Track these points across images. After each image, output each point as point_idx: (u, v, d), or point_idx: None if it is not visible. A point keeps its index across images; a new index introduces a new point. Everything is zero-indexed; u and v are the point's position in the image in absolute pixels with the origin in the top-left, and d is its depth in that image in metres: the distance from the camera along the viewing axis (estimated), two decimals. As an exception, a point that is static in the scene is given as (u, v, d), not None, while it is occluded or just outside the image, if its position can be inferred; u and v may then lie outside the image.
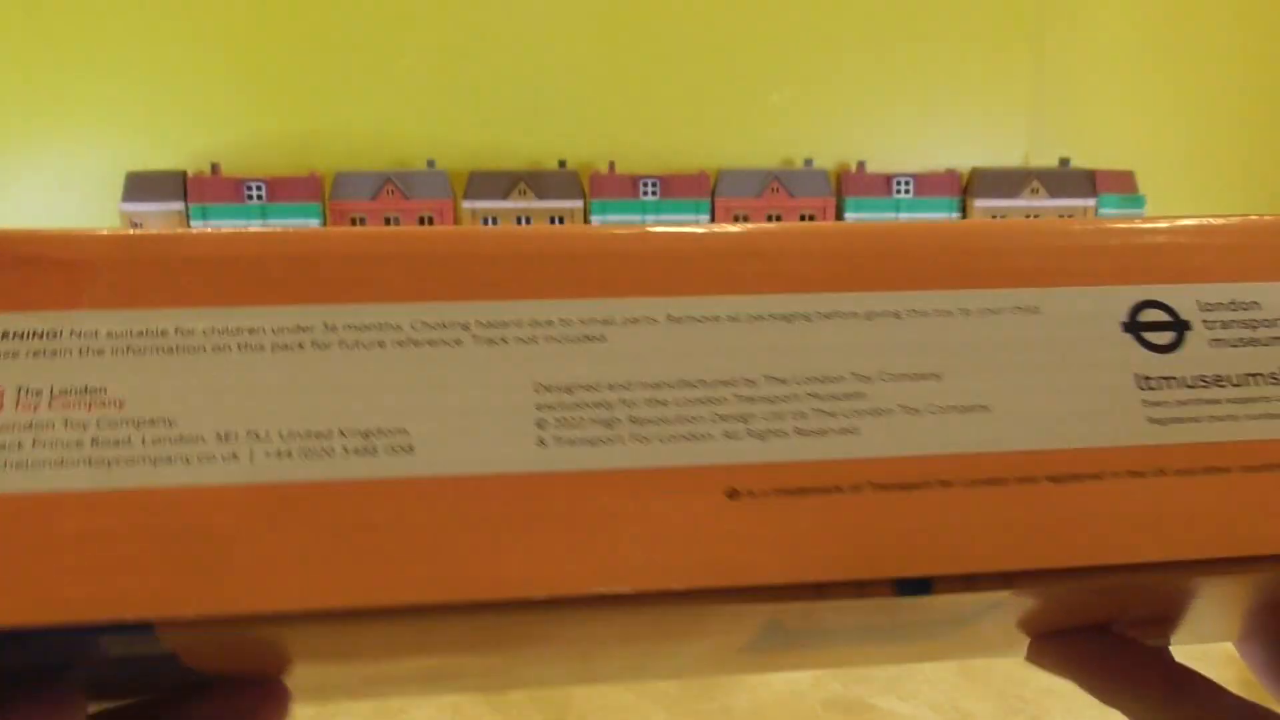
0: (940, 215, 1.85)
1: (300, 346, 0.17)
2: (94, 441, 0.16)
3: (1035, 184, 1.85)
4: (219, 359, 0.17)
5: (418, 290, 0.17)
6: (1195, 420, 0.18)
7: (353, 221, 1.81)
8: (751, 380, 0.18)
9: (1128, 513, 0.18)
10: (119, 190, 1.84)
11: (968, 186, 1.87)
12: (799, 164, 1.89)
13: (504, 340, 0.17)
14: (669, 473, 0.17)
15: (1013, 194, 1.85)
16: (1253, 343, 0.19)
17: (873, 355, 0.18)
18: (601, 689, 0.65)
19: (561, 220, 1.84)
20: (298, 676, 0.20)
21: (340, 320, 0.17)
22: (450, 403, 0.17)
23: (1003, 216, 1.85)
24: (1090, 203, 1.84)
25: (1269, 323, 0.19)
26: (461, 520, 0.16)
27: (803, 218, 1.84)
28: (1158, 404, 0.18)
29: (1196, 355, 0.19)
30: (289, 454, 0.16)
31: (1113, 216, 0.18)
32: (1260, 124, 1.93)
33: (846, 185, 1.85)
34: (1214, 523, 0.18)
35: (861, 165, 1.88)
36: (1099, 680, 0.21)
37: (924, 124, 1.90)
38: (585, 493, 0.17)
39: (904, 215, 1.85)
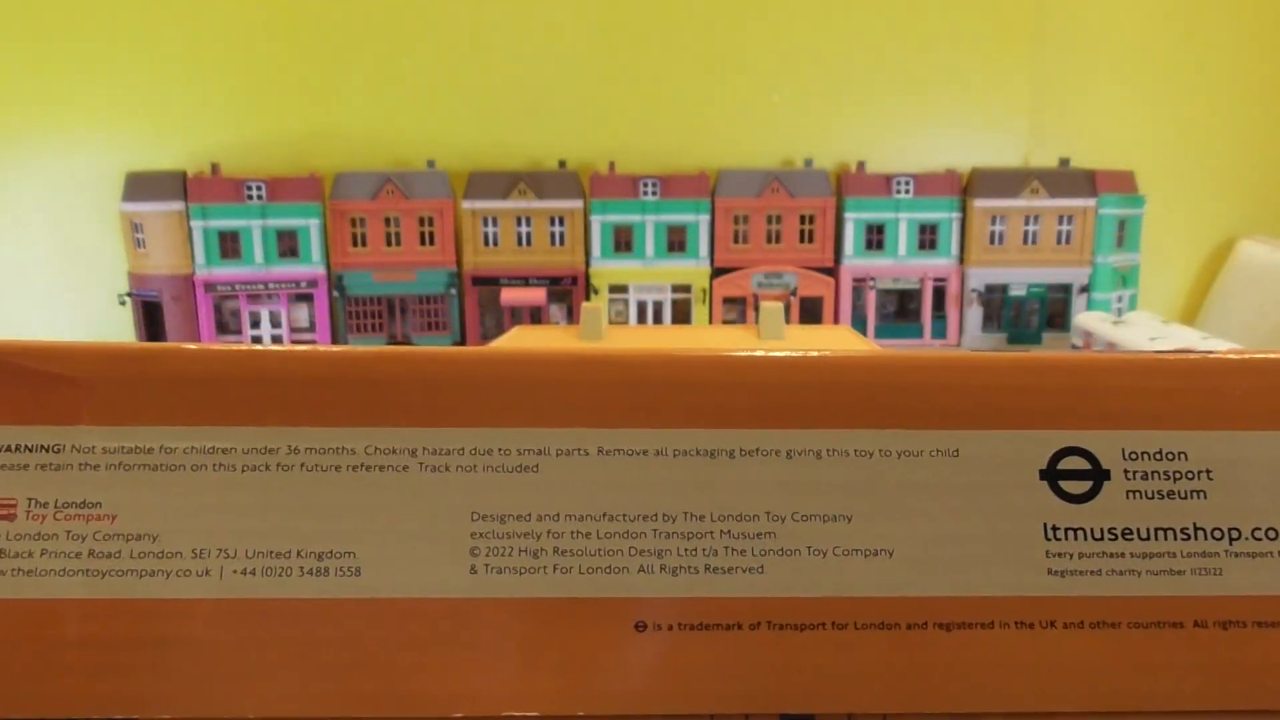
0: (940, 215, 1.85)
1: (267, 468, 0.18)
2: (91, 553, 0.18)
3: (1035, 184, 1.85)
4: (196, 478, 0.18)
5: (373, 415, 0.18)
6: (1094, 573, 0.18)
7: (353, 221, 1.81)
8: (670, 516, 0.18)
9: (1011, 662, 0.18)
10: (119, 190, 1.84)
11: (968, 186, 1.87)
12: (799, 164, 1.89)
13: (446, 468, 0.18)
14: (584, 603, 0.18)
15: (1013, 194, 1.85)
16: (1170, 495, 0.19)
17: (789, 495, 0.18)
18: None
19: (562, 220, 1.84)
20: None
21: (303, 443, 0.18)
22: (395, 528, 0.18)
23: (1003, 217, 1.86)
24: (1090, 203, 1.84)
25: (1192, 474, 0.19)
26: (399, 640, 0.18)
27: (803, 218, 1.84)
28: (1060, 555, 0.18)
29: (1110, 506, 0.19)
30: (253, 572, 0.18)
31: (1044, 354, 0.18)
32: (1260, 124, 1.93)
33: (846, 185, 1.85)
34: (1094, 677, 0.18)
35: (861, 165, 1.88)
36: None
37: (924, 124, 1.91)
38: (508, 619, 0.18)
39: (904, 215, 1.85)
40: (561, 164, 1.87)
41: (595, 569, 0.18)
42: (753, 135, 1.90)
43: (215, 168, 1.82)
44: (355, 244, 1.83)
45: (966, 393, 0.19)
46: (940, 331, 1.90)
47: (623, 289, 1.85)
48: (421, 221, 1.82)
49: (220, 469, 0.18)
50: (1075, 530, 0.18)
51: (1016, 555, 0.18)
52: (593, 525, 0.18)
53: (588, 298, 1.84)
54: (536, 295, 1.84)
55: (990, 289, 1.89)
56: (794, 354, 0.19)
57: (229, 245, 1.80)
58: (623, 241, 1.84)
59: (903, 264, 1.86)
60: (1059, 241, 1.86)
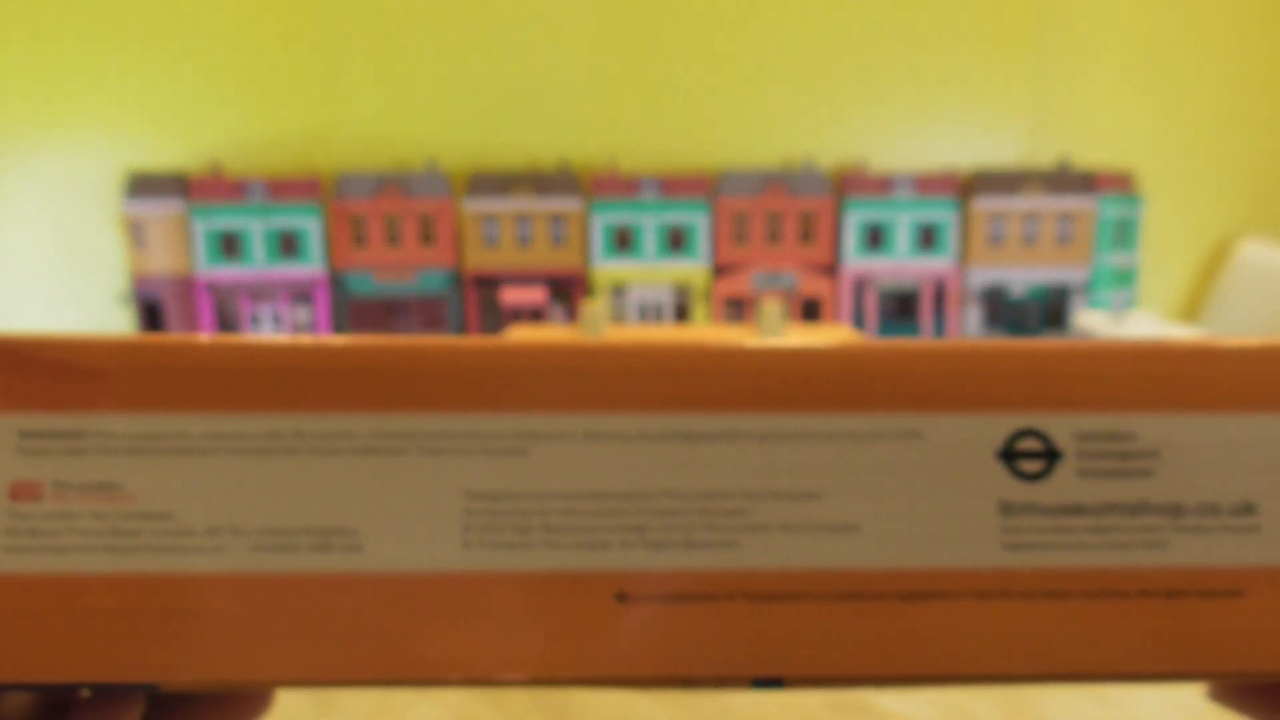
0: (940, 215, 1.85)
1: (275, 452, 0.20)
2: (113, 531, 0.19)
3: (1035, 184, 1.85)
4: (210, 461, 0.19)
5: (374, 401, 0.20)
6: (1047, 547, 0.20)
7: (353, 221, 1.81)
8: (651, 495, 0.20)
9: (969, 630, 0.19)
10: (120, 190, 1.84)
11: (968, 186, 1.87)
12: (799, 164, 1.89)
13: (442, 451, 0.20)
14: (570, 576, 0.19)
15: (1013, 194, 1.85)
16: (1120, 474, 0.20)
17: (761, 475, 0.20)
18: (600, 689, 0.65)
19: (562, 220, 1.84)
20: None
21: (309, 428, 0.20)
22: (394, 506, 0.20)
23: (1003, 217, 1.86)
24: (1090, 203, 1.84)
25: (1141, 454, 0.20)
26: (397, 611, 0.19)
27: (803, 218, 1.85)
28: (1015, 530, 0.20)
29: (1062, 485, 0.20)
30: (262, 548, 0.19)
31: (1006, 341, 0.19)
32: (1260, 124, 1.93)
33: (846, 185, 1.85)
34: (1047, 643, 0.19)
35: (861, 165, 1.89)
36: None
37: (924, 124, 1.91)
38: (499, 591, 0.19)
39: (904, 215, 1.85)
40: (562, 164, 1.87)
41: (580, 544, 0.19)
42: (753, 135, 1.90)
43: (216, 168, 1.83)
44: (356, 244, 1.83)
45: (928, 378, 0.20)
46: (940, 331, 1.90)
47: (623, 289, 1.85)
48: (422, 221, 1.83)
49: (232, 452, 0.19)
50: (1029, 507, 0.20)
51: (973, 530, 0.20)
52: (578, 504, 0.20)
53: (588, 297, 1.84)
54: (537, 295, 1.84)
55: (990, 289, 1.89)
56: (767, 344, 0.20)
57: (230, 245, 1.80)
58: (623, 241, 1.84)
59: (903, 264, 1.86)
60: (1059, 241, 1.87)
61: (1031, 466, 0.20)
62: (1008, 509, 0.20)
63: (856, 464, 0.20)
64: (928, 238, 1.86)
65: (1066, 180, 1.85)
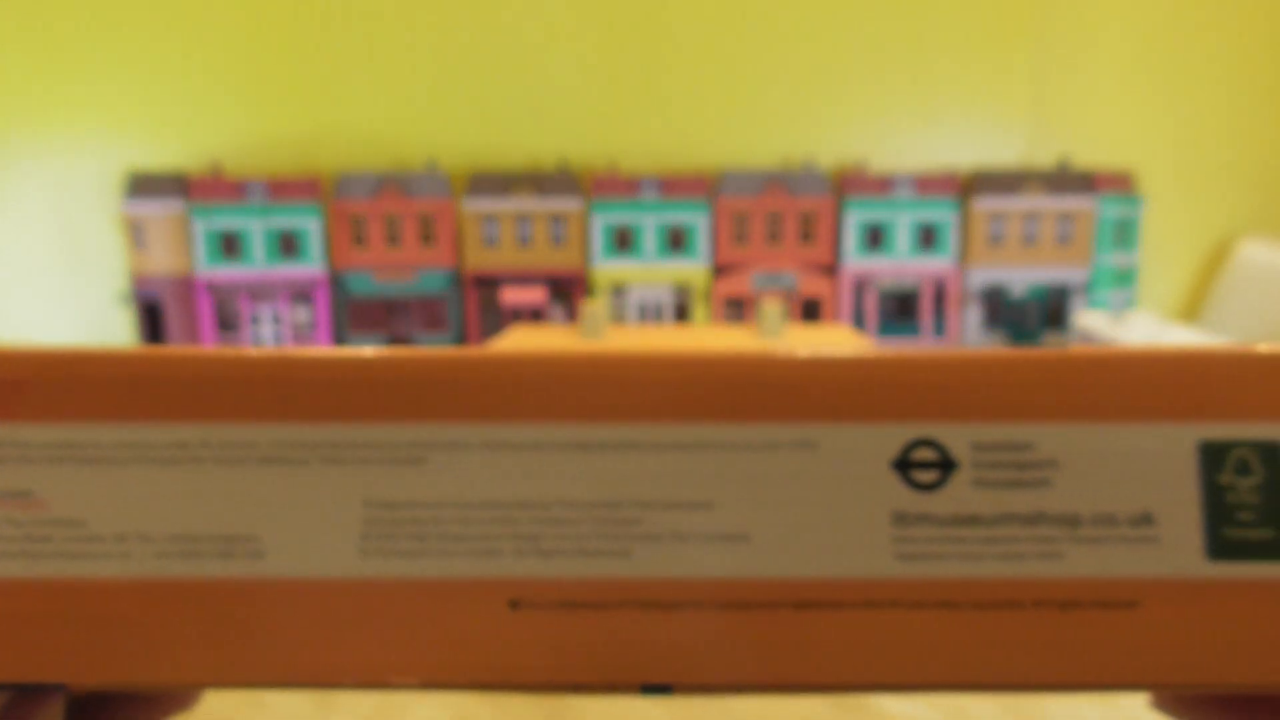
0: (940, 215, 1.85)
1: (183, 461, 0.20)
2: (26, 537, 0.20)
3: (1035, 184, 1.85)
4: (120, 470, 0.20)
5: (278, 411, 0.20)
6: (940, 557, 0.20)
7: (353, 221, 1.81)
8: (546, 504, 0.20)
9: (858, 640, 0.20)
10: (120, 190, 1.84)
11: (968, 186, 1.87)
12: (799, 164, 1.89)
13: (342, 460, 0.20)
14: (463, 583, 0.20)
15: (1013, 194, 1.85)
16: (1016, 484, 0.20)
17: (655, 485, 0.20)
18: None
19: (563, 221, 1.84)
20: None
21: (215, 438, 0.20)
22: (295, 514, 0.20)
23: (1002, 217, 1.86)
24: (1090, 203, 1.84)
25: (1039, 464, 0.20)
26: (295, 616, 0.20)
27: (803, 217, 1.85)
28: (907, 540, 0.20)
29: (957, 495, 0.20)
30: (168, 555, 0.20)
31: (903, 351, 0.19)
32: (1260, 124, 1.93)
33: (846, 185, 1.85)
34: (938, 653, 0.20)
35: (861, 165, 1.89)
36: None
37: (924, 124, 1.91)
38: (395, 597, 0.20)
39: (904, 215, 1.85)
40: (561, 164, 1.87)
41: (475, 552, 0.20)
42: (753, 135, 1.90)
43: (216, 168, 1.83)
44: (356, 244, 1.83)
45: (823, 388, 0.20)
46: (940, 331, 1.90)
47: (623, 289, 1.85)
48: (422, 221, 1.83)
49: (141, 461, 0.20)
50: (923, 517, 0.20)
51: (866, 541, 0.20)
52: (474, 512, 0.20)
53: (588, 297, 1.84)
54: (537, 295, 1.84)
55: (990, 289, 1.89)
56: (660, 354, 0.21)
57: (230, 245, 1.80)
58: (623, 241, 1.84)
59: (903, 264, 1.86)
60: (1059, 241, 1.87)
61: (926, 477, 0.20)
62: (901, 519, 0.20)
63: (749, 474, 0.20)
64: (928, 238, 1.86)
65: (1066, 180, 1.85)
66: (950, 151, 1.90)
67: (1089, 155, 1.91)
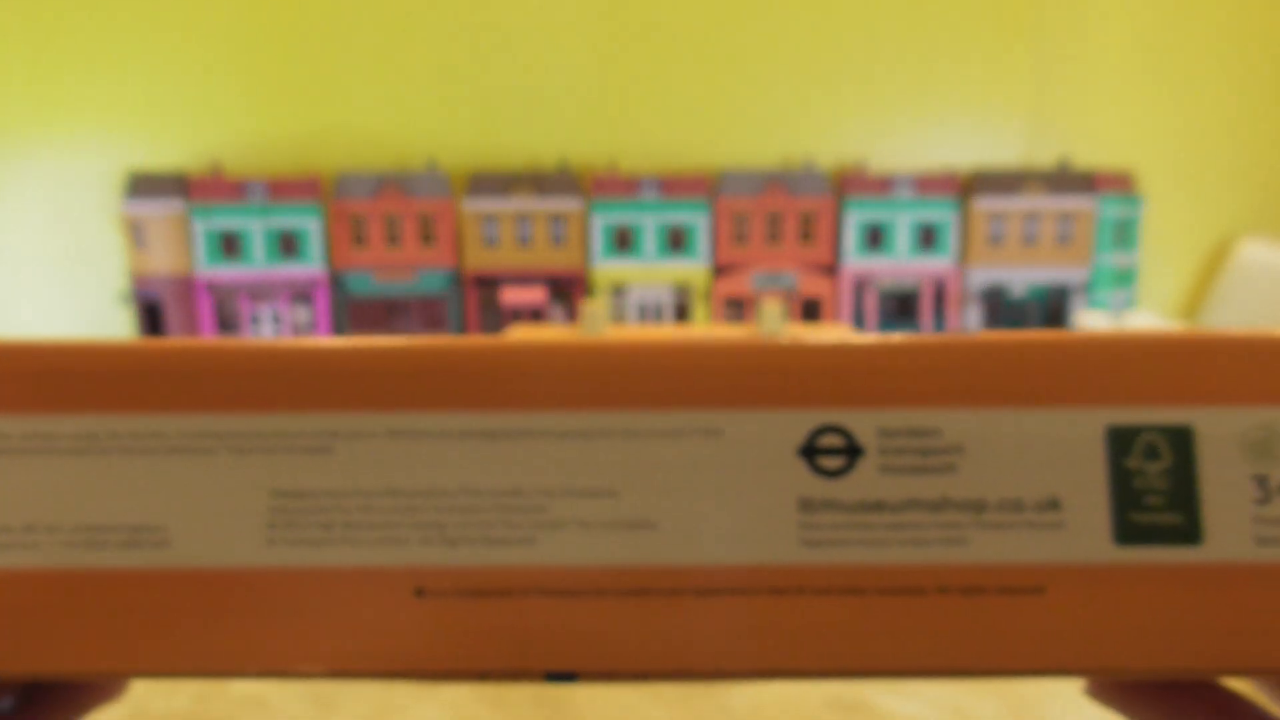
0: (940, 215, 1.85)
1: (90, 452, 0.20)
2: None
3: (1035, 184, 1.85)
4: (29, 461, 0.20)
5: (185, 402, 0.21)
6: (846, 544, 0.20)
7: (353, 221, 1.81)
8: (451, 492, 0.20)
9: (763, 627, 0.20)
10: (120, 190, 1.84)
11: (968, 186, 1.87)
12: (799, 164, 1.89)
13: (249, 450, 0.20)
14: (369, 571, 0.20)
15: (1013, 194, 1.85)
16: (922, 470, 0.20)
17: (559, 473, 0.20)
18: (601, 687, 0.65)
19: (563, 221, 1.84)
20: None
21: (122, 428, 0.20)
22: (202, 504, 0.20)
23: (1002, 217, 1.86)
24: (1090, 203, 1.84)
25: (945, 450, 0.20)
26: (201, 605, 0.20)
27: (803, 217, 1.85)
28: (813, 527, 0.20)
29: (863, 481, 0.20)
30: (75, 545, 0.20)
31: (809, 338, 0.19)
32: (1260, 124, 1.93)
33: (846, 185, 1.85)
34: (843, 640, 0.20)
35: (861, 165, 1.89)
36: (1146, 715, 0.22)
37: (924, 124, 1.91)
38: (300, 586, 0.20)
39: (904, 215, 1.85)
40: (562, 164, 1.87)
41: (380, 540, 0.20)
42: (753, 135, 1.90)
43: (216, 168, 1.83)
44: (356, 244, 1.83)
45: (729, 376, 0.20)
46: (940, 331, 1.90)
47: (623, 289, 1.85)
48: (422, 221, 1.83)
49: (48, 452, 0.20)
50: (829, 503, 0.20)
51: (772, 527, 0.20)
52: (379, 501, 0.20)
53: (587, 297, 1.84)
54: (537, 295, 1.84)
55: (990, 289, 1.89)
56: (565, 343, 0.21)
57: (230, 245, 1.81)
58: (623, 241, 1.84)
59: (903, 264, 1.86)
60: (1059, 241, 1.87)
61: (832, 463, 0.20)
62: (807, 505, 0.20)
63: (655, 462, 0.20)
64: (928, 238, 1.86)
65: (1066, 180, 1.85)
66: (950, 151, 1.90)
67: (1089, 155, 1.91)
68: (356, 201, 1.81)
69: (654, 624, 0.20)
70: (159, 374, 0.20)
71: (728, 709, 0.62)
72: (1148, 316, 1.77)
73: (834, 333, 1.44)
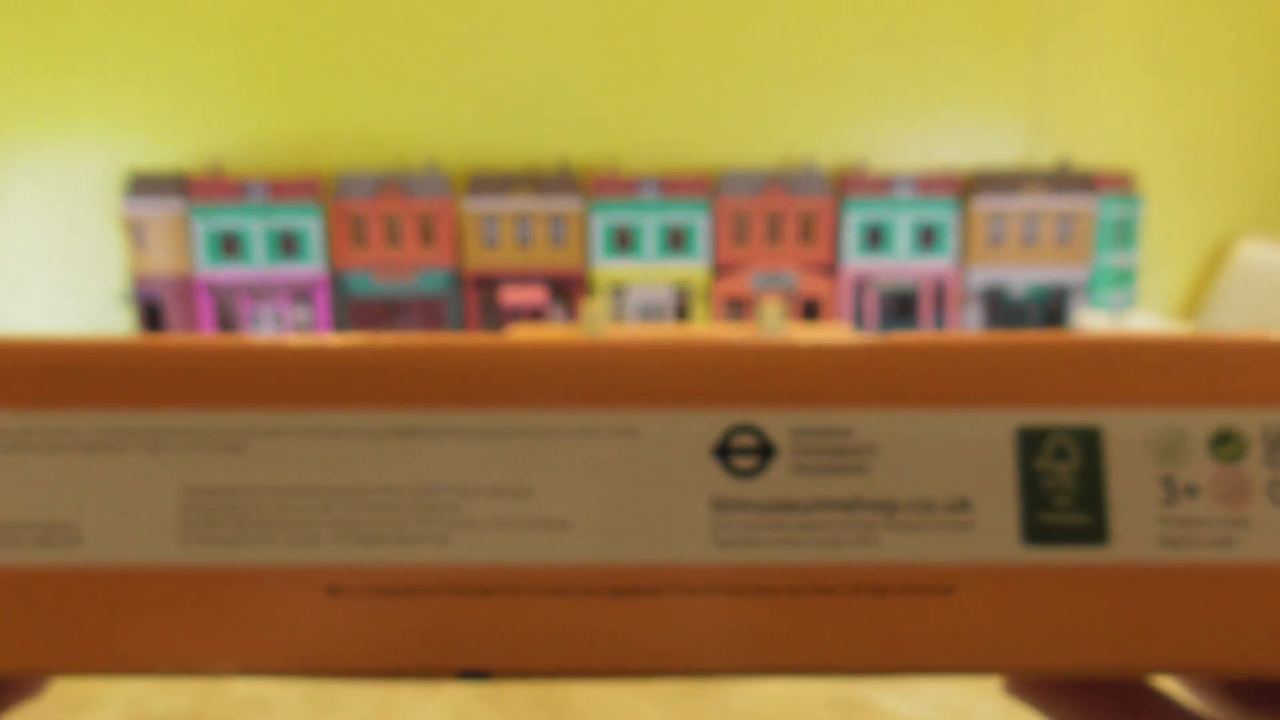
0: (940, 215, 1.85)
1: (3, 449, 0.20)
2: None
3: (1035, 184, 1.85)
4: None
5: (97, 399, 0.21)
6: (758, 543, 0.20)
7: (353, 221, 1.81)
8: (365, 490, 0.20)
9: (677, 626, 0.20)
10: (120, 190, 1.84)
11: (968, 186, 1.87)
12: (799, 164, 1.89)
13: (163, 447, 0.20)
14: (282, 570, 0.20)
15: (1013, 194, 1.85)
16: (835, 470, 0.20)
17: (474, 471, 0.20)
18: (601, 688, 0.65)
19: (563, 221, 1.84)
20: None
21: (36, 425, 0.21)
22: (114, 501, 0.20)
23: (1002, 217, 1.86)
24: (1090, 202, 1.84)
25: (857, 450, 0.20)
26: (113, 602, 0.20)
27: (803, 217, 1.85)
28: (726, 526, 0.20)
29: (776, 481, 0.20)
30: None
31: (724, 339, 0.20)
32: (1259, 124, 1.93)
33: (846, 185, 1.85)
34: (754, 639, 0.20)
35: (861, 165, 1.89)
36: (1066, 715, 0.22)
37: (924, 124, 1.91)
38: (214, 584, 0.20)
39: (904, 215, 1.85)
40: (562, 164, 1.87)
41: (293, 539, 0.20)
42: (753, 135, 1.90)
43: (217, 168, 1.83)
44: (356, 244, 1.83)
45: (644, 375, 0.20)
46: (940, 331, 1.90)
47: (623, 289, 1.85)
48: (422, 221, 1.83)
49: None
50: (741, 503, 0.20)
51: (685, 527, 0.20)
52: (293, 499, 0.20)
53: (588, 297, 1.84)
54: (537, 295, 1.84)
55: (990, 289, 1.89)
56: (476, 341, 0.21)
57: (230, 245, 1.81)
58: (623, 241, 1.84)
59: (903, 264, 1.86)
60: (1059, 241, 1.87)
61: (745, 463, 0.20)
62: (720, 505, 0.20)
63: (570, 460, 0.20)
64: (928, 238, 1.86)
65: (1066, 180, 1.85)
66: (950, 151, 1.90)
67: (1089, 155, 1.91)
68: (356, 201, 1.81)
69: (568, 623, 0.20)
70: (70, 371, 0.20)
71: (728, 709, 0.62)
72: (1148, 316, 1.77)
73: (832, 331, 1.44)
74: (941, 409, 0.20)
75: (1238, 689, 0.22)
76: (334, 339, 0.21)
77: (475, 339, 0.21)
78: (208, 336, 0.21)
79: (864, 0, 1.87)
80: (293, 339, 0.21)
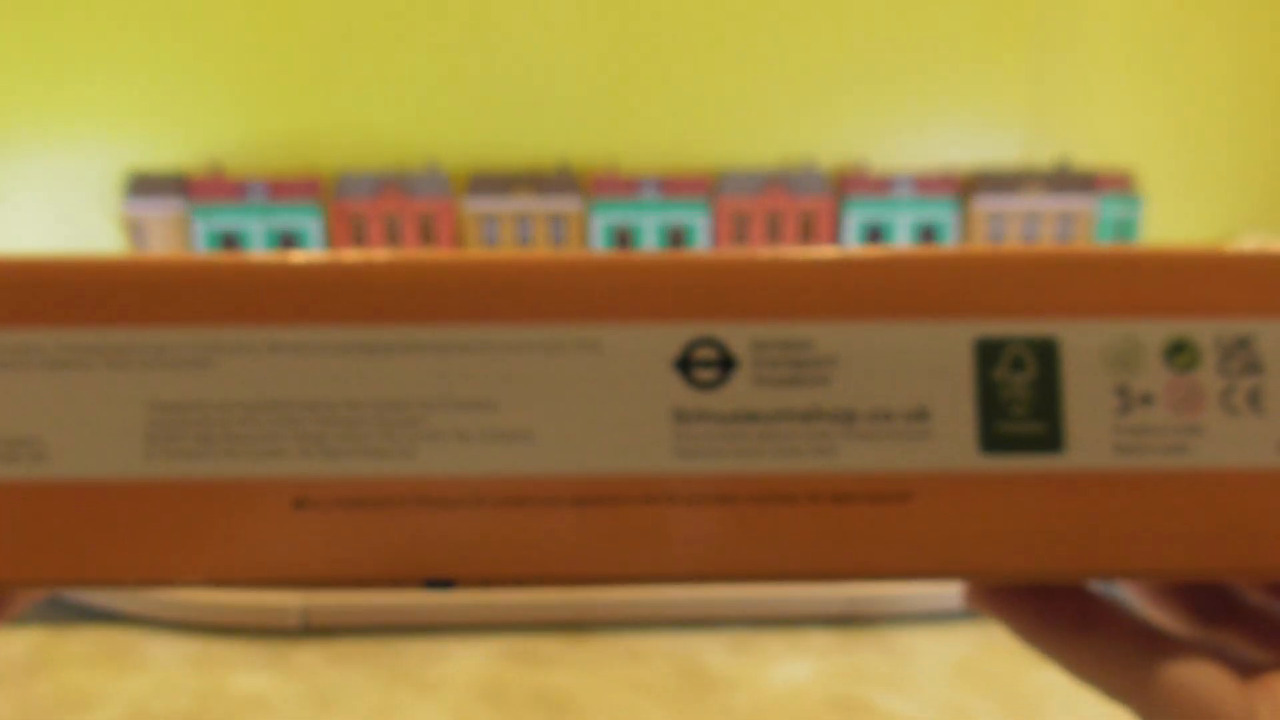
0: (940, 215, 1.86)
1: None
2: None
3: (1035, 184, 1.85)
4: None
5: (59, 316, 0.21)
6: (718, 454, 0.20)
7: (353, 221, 1.81)
8: (331, 404, 0.20)
9: (639, 534, 0.20)
10: (120, 190, 1.84)
11: (968, 186, 1.87)
12: (799, 164, 1.89)
13: (127, 364, 0.20)
14: (249, 483, 0.20)
15: (1013, 194, 1.85)
16: (795, 382, 0.20)
17: (438, 385, 0.21)
18: (601, 688, 0.65)
19: (563, 221, 1.84)
20: None
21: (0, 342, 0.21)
22: (79, 417, 0.20)
23: (1002, 216, 1.86)
24: (1090, 203, 1.84)
25: (816, 362, 0.20)
26: (79, 516, 0.20)
27: (803, 217, 1.85)
28: (687, 438, 0.20)
29: (737, 392, 0.21)
30: None
31: (684, 251, 0.20)
32: (1259, 123, 1.93)
33: (846, 185, 1.85)
34: (715, 546, 0.20)
35: (861, 165, 1.89)
36: (1022, 621, 0.22)
37: (924, 124, 1.91)
38: (180, 497, 0.20)
39: (904, 215, 1.85)
40: (562, 164, 1.87)
41: (260, 452, 0.20)
42: (753, 135, 1.90)
43: (216, 168, 1.83)
44: (356, 244, 1.83)
45: (605, 289, 0.21)
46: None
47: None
48: (422, 221, 1.83)
49: None
50: (702, 414, 0.20)
51: (646, 438, 0.20)
52: (259, 413, 0.20)
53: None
54: (537, 295, 1.84)
55: (990, 289, 1.89)
56: (444, 256, 0.21)
57: (230, 245, 1.81)
58: (623, 241, 1.84)
59: (903, 264, 1.86)
60: (1059, 241, 1.87)
61: (707, 375, 0.20)
62: (682, 416, 0.20)
63: (533, 374, 0.20)
64: (928, 237, 1.86)
65: (1066, 180, 1.85)
66: (950, 151, 1.90)
67: (1089, 155, 1.91)
68: (356, 201, 1.81)
69: (532, 533, 0.20)
70: (33, 288, 0.20)
71: (728, 709, 0.62)
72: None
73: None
74: (901, 321, 0.20)
75: (1190, 597, 0.23)
76: (298, 255, 0.21)
77: (438, 255, 0.21)
78: (172, 254, 0.21)
79: (864, 1, 1.87)
80: (256, 255, 0.21)
